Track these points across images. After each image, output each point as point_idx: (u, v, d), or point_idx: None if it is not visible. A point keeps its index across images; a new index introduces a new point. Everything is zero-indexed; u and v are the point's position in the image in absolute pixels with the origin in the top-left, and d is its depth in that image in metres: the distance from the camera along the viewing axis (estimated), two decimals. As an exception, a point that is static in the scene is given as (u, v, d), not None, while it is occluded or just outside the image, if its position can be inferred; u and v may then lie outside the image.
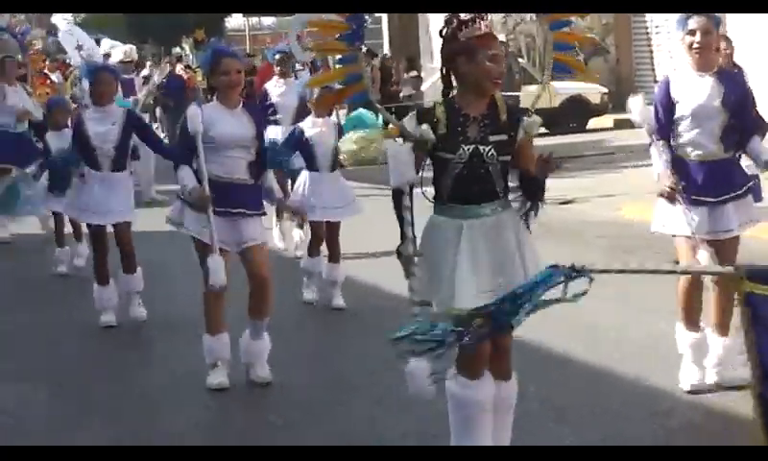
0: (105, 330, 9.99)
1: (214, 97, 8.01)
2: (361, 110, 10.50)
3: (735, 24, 19.63)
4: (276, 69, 13.43)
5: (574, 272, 4.64)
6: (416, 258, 5.67)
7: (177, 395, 8.13)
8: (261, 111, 8.48)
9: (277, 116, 13.01)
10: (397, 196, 5.73)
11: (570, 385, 7.64)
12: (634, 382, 7.63)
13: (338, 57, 6.34)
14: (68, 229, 12.61)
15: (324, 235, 10.41)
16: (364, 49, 6.32)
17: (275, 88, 13.26)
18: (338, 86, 6.42)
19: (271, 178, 8.32)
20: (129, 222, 10.09)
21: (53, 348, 9.61)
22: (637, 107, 7.53)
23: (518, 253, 5.73)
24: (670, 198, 7.25)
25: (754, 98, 7.48)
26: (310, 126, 10.34)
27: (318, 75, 9.00)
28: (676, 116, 7.31)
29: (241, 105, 8.00)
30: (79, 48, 17.92)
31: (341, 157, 10.16)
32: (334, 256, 10.51)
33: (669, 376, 7.46)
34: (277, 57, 13.54)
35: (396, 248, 5.71)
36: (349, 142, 10.06)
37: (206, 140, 7.77)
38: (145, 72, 22.87)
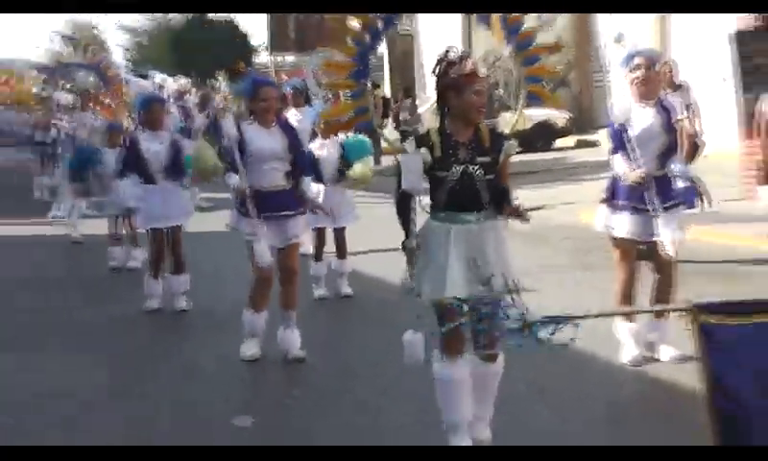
0: (153, 320, 9.97)
1: (253, 119, 8.07)
2: (360, 135, 10.47)
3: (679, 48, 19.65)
4: (290, 100, 13.31)
5: (559, 320, 4.53)
6: (416, 251, 5.78)
7: (214, 372, 8.09)
8: (293, 128, 8.49)
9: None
10: (406, 198, 5.83)
11: (553, 370, 7.48)
12: (607, 365, 7.58)
13: (348, 92, 6.36)
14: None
15: (334, 239, 10.50)
16: (369, 84, 6.33)
17: (291, 117, 13.09)
18: (347, 117, 6.41)
19: (307, 182, 8.40)
20: (180, 226, 10.15)
21: (103, 333, 9.57)
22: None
23: (496, 253, 5.79)
24: (644, 181, 7.28)
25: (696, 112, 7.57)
26: (318, 147, 10.37)
27: (331, 107, 9.01)
28: (626, 141, 7.35)
29: (276, 124, 8.10)
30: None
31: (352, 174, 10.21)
32: (342, 254, 10.57)
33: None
34: (291, 90, 13.43)
35: (402, 242, 5.82)
36: (363, 167, 10.23)
37: (248, 156, 7.92)
38: (194, 99, 22.70)
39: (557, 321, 4.51)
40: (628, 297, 7.60)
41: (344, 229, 10.58)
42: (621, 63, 7.57)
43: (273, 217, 8.01)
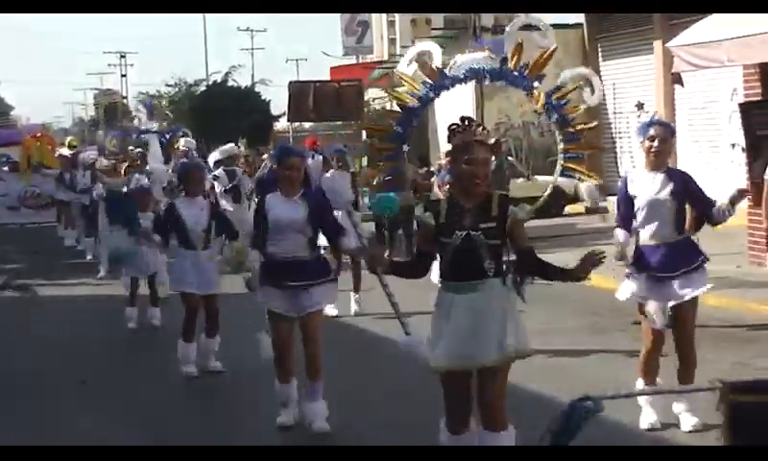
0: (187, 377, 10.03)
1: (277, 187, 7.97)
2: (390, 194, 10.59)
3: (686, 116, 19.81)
4: (334, 162, 13.42)
5: (591, 406, 4.54)
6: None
7: (244, 427, 8.26)
8: (319, 197, 8.46)
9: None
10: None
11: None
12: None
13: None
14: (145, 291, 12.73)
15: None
16: (406, 149, 6.41)
17: (332, 179, 13.05)
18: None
19: (344, 241, 8.27)
20: (216, 294, 10.13)
21: (142, 388, 9.67)
22: (584, 189, 7.64)
23: (499, 326, 5.72)
24: (621, 258, 7.51)
25: (696, 184, 7.55)
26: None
27: (369, 171, 9.08)
28: (635, 209, 7.39)
29: (301, 193, 7.92)
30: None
31: None
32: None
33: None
34: (337, 154, 13.52)
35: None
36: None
37: (268, 224, 7.82)
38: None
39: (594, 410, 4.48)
40: (650, 364, 7.56)
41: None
42: (637, 132, 7.61)
43: (288, 287, 7.80)
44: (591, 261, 5.81)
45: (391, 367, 9.89)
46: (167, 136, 16.22)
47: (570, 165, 6.42)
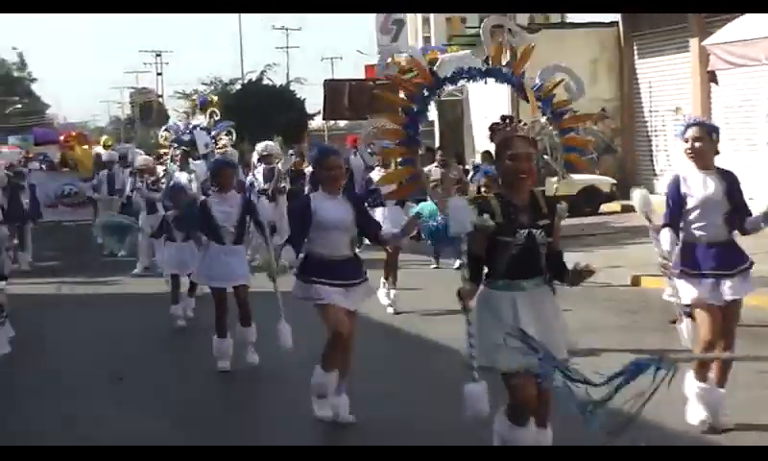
0: (222, 374, 10.11)
1: (320, 187, 7.98)
2: (423, 204, 10.53)
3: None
4: (378, 160, 13.68)
5: (660, 362, 4.61)
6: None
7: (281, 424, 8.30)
8: (358, 196, 8.55)
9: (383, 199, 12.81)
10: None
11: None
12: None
13: (399, 159, 6.44)
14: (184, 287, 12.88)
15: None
16: (422, 150, 6.41)
17: (378, 176, 12.89)
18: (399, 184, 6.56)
19: (386, 231, 8.45)
20: (246, 285, 10.25)
21: (177, 385, 9.81)
22: (637, 198, 7.60)
23: (556, 319, 5.82)
24: (665, 268, 7.45)
25: (740, 189, 7.56)
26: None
27: (385, 173, 8.90)
28: (687, 208, 7.38)
29: (342, 193, 7.96)
30: (206, 146, 18.46)
31: None
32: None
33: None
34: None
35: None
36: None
37: (314, 224, 7.80)
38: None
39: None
40: (706, 363, 7.48)
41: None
42: (677, 134, 7.60)
43: (335, 285, 7.82)
44: (583, 277, 5.82)
45: (430, 363, 9.98)
46: (212, 134, 16.23)
47: (569, 158, 6.40)
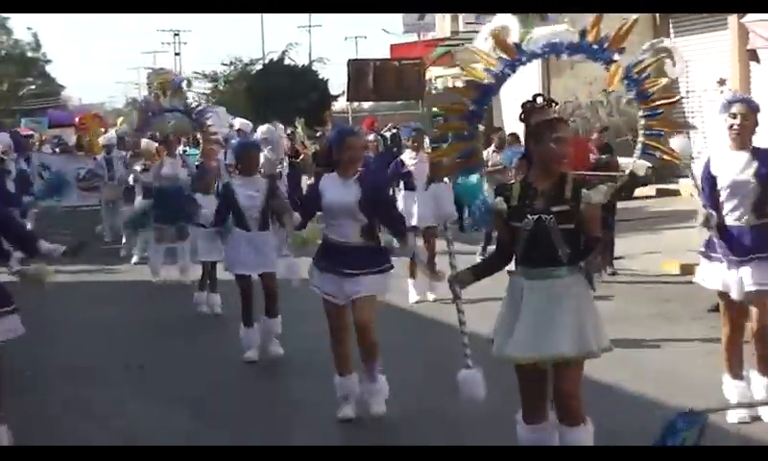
0: (245, 364, 10.00)
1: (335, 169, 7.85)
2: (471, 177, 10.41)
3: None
4: (410, 143, 13.26)
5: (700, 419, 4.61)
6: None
7: (300, 420, 8.18)
8: (376, 180, 8.39)
9: (415, 182, 12.73)
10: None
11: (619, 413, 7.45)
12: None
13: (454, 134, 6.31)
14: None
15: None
16: (481, 128, 6.28)
17: (409, 160, 12.91)
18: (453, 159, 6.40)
19: (388, 239, 7.96)
20: (273, 272, 9.99)
21: (200, 375, 9.70)
22: (678, 144, 7.34)
23: (576, 318, 5.57)
24: (707, 223, 7.22)
25: None
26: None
27: (440, 149, 8.51)
28: (717, 188, 7.23)
29: (356, 175, 7.80)
30: (230, 127, 18.06)
31: None
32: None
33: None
34: (414, 134, 13.35)
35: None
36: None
37: (322, 206, 7.81)
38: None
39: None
40: (732, 352, 7.36)
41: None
42: (719, 110, 7.42)
43: (338, 272, 7.72)
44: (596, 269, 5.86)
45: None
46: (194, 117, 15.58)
47: (652, 143, 6.21)
